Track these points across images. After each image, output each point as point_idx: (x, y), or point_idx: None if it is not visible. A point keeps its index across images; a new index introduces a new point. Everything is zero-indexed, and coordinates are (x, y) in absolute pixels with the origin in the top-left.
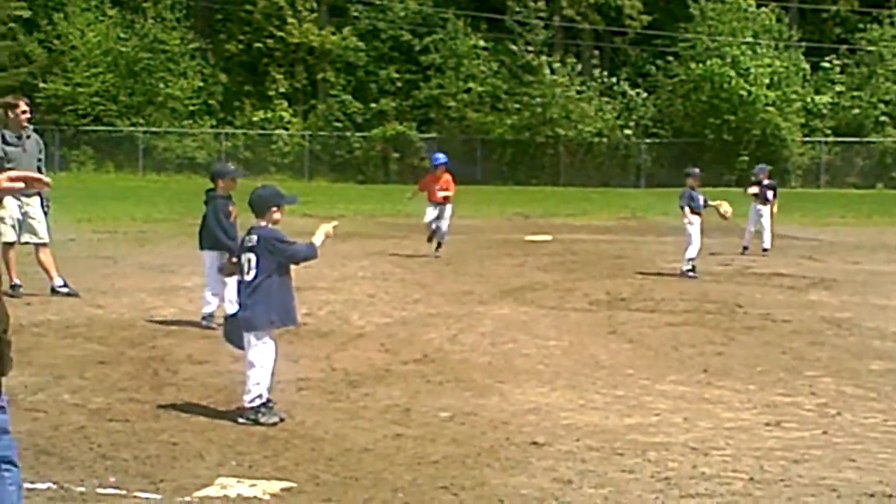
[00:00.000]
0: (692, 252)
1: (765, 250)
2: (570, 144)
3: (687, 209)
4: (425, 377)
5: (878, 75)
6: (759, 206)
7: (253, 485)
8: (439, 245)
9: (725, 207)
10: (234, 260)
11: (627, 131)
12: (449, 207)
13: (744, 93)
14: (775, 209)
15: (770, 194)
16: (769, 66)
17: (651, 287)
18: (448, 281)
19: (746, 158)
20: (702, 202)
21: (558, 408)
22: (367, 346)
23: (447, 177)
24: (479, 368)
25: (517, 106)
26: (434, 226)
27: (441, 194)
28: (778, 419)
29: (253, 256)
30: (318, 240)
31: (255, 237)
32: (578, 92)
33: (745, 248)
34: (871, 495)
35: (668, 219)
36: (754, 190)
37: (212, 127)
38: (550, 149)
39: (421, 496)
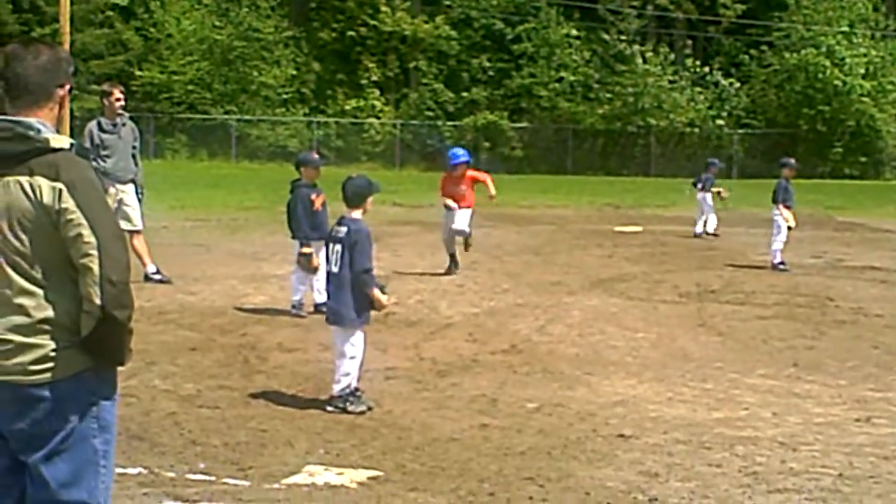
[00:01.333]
0: (779, 244)
1: (711, 233)
2: (661, 135)
3: (780, 205)
4: (512, 368)
5: None
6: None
7: (340, 473)
8: (467, 245)
9: (724, 193)
10: (305, 251)
11: (720, 122)
12: (467, 211)
13: (839, 83)
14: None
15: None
16: (865, 55)
17: (741, 279)
18: (536, 271)
19: (840, 150)
20: (793, 195)
21: (646, 400)
22: (455, 335)
23: (472, 175)
24: (567, 359)
25: (609, 95)
26: (452, 230)
27: (463, 204)
28: (868, 415)
29: (340, 248)
30: (377, 290)
31: (344, 228)
32: (671, 81)
33: (712, 232)
34: None
35: (760, 210)
36: (720, 191)
37: (304, 115)
38: (642, 139)
39: (507, 487)
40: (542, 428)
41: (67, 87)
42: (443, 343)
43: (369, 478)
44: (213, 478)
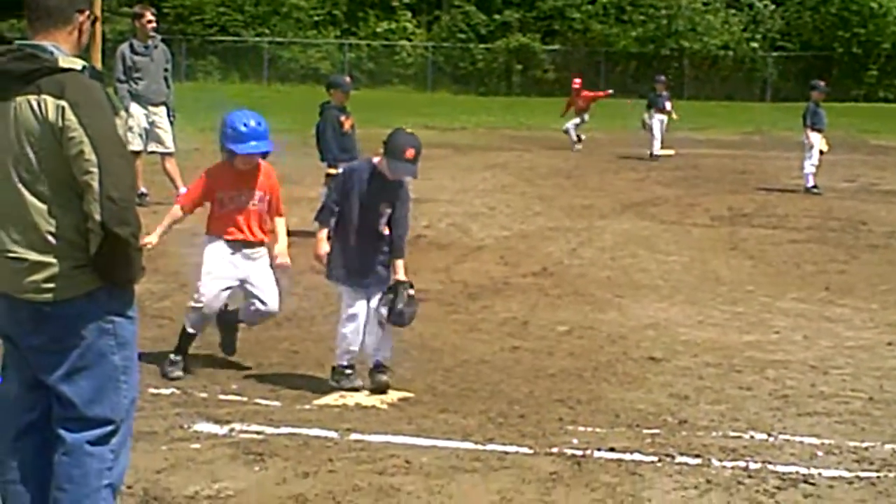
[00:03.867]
0: (809, 167)
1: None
2: (694, 57)
3: (808, 128)
4: (544, 290)
5: None
6: (658, 115)
7: (370, 394)
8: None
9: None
10: (332, 172)
11: (754, 44)
12: (265, 256)
13: (874, 5)
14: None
15: (668, 104)
16: None
17: (774, 203)
18: (568, 194)
19: (876, 73)
20: (823, 117)
21: (676, 323)
22: (487, 258)
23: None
24: (598, 283)
25: (642, 18)
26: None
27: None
28: None
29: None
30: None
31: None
32: (705, 3)
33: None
34: None
35: (794, 134)
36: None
37: (336, 38)
38: (675, 62)
39: (537, 408)
40: (572, 350)
41: (87, 13)
42: (474, 266)
43: (400, 399)
44: (244, 398)
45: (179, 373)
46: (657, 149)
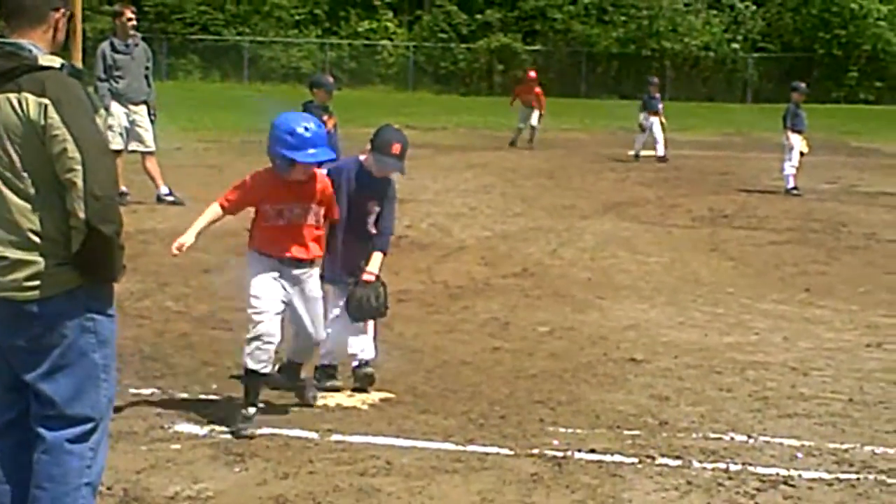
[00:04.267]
0: (790, 168)
1: (661, 158)
2: (675, 58)
3: (788, 130)
4: (524, 291)
5: None
6: (652, 118)
7: (351, 395)
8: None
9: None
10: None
11: (735, 45)
12: (315, 276)
13: (855, 7)
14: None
15: (660, 106)
16: None
17: (755, 204)
18: (550, 195)
19: (856, 75)
20: (804, 119)
21: (657, 325)
22: (468, 258)
23: (323, 188)
24: (579, 283)
25: (623, 18)
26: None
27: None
28: (879, 340)
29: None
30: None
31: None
32: (686, 4)
33: (637, 156)
34: None
35: (774, 135)
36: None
37: (317, 37)
38: (656, 63)
39: (518, 409)
40: (553, 351)
41: (63, 11)
42: (455, 266)
43: (381, 400)
44: (225, 399)
45: (254, 430)
46: (661, 150)
